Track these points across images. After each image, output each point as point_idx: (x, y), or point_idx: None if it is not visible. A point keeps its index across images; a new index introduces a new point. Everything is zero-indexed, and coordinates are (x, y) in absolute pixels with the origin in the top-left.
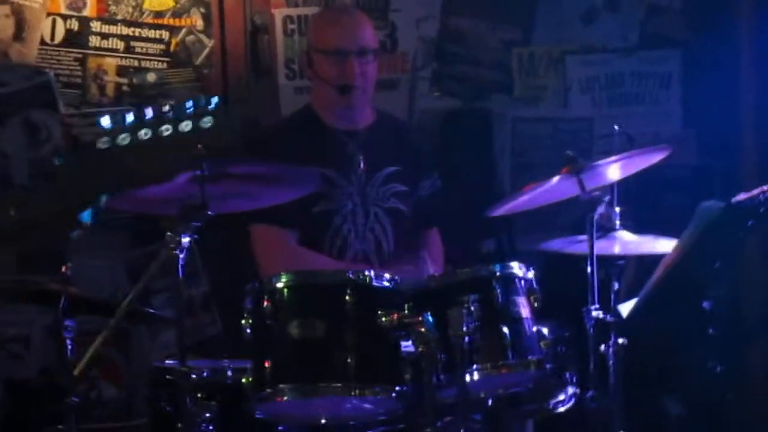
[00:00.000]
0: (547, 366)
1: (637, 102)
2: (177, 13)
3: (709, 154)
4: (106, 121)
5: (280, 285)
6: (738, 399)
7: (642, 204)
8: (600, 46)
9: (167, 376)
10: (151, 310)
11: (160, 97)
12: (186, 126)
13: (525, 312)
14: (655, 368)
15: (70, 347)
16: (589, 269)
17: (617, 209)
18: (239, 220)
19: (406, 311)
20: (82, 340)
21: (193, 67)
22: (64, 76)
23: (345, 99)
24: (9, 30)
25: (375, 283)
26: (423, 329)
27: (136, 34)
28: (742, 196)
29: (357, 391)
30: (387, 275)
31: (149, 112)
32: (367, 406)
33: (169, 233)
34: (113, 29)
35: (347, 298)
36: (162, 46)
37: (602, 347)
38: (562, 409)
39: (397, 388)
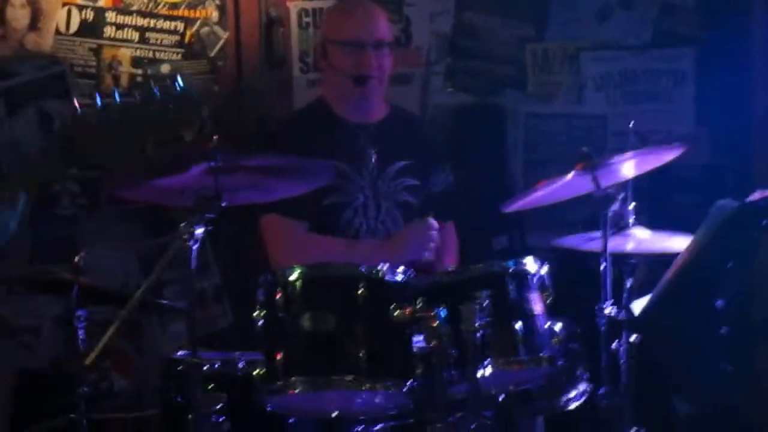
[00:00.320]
0: (559, 363)
1: (651, 99)
2: (192, 5)
3: (721, 153)
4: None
5: (293, 278)
6: (747, 399)
7: (654, 202)
8: (614, 43)
9: (179, 367)
10: (164, 301)
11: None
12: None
13: (537, 308)
14: (666, 366)
15: (81, 337)
16: (602, 266)
17: (631, 206)
18: (250, 212)
19: (418, 306)
20: (93, 330)
21: (208, 59)
22: (79, 66)
23: (360, 90)
24: (24, 20)
25: (387, 278)
26: (435, 324)
27: (151, 25)
28: (756, 196)
29: (368, 385)
30: (400, 269)
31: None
32: (377, 400)
33: (182, 224)
34: (128, 20)
35: (360, 291)
36: (177, 38)
37: (614, 344)
38: (573, 406)
39: (408, 383)
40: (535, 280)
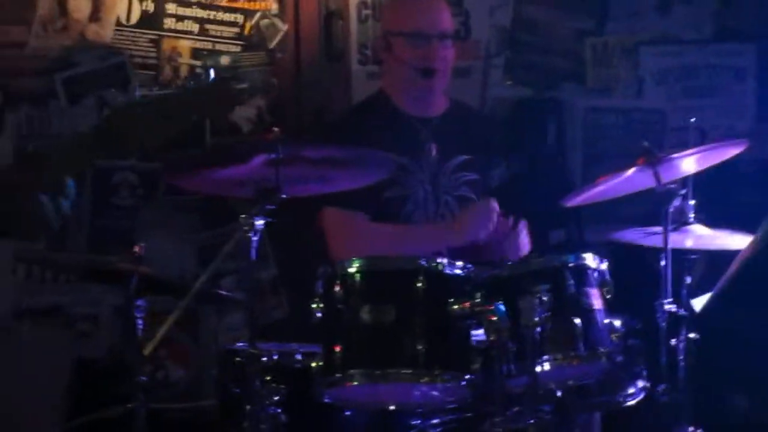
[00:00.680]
0: (618, 358)
1: (711, 95)
2: None
3: None
4: None
5: (352, 270)
6: None
7: (714, 198)
8: (673, 37)
9: (237, 359)
10: (222, 292)
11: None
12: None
13: (597, 303)
14: (725, 364)
15: (139, 327)
16: (662, 262)
17: (692, 202)
18: (309, 204)
19: (477, 299)
20: (150, 320)
21: (267, 51)
22: (139, 57)
23: (426, 82)
24: (86, 10)
25: (447, 271)
26: (494, 318)
27: (211, 17)
28: None
29: (426, 378)
30: (460, 263)
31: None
32: (435, 393)
33: (243, 215)
34: (188, 11)
35: (419, 284)
36: (236, 30)
37: (673, 341)
38: (631, 403)
39: (466, 377)
40: (594, 275)
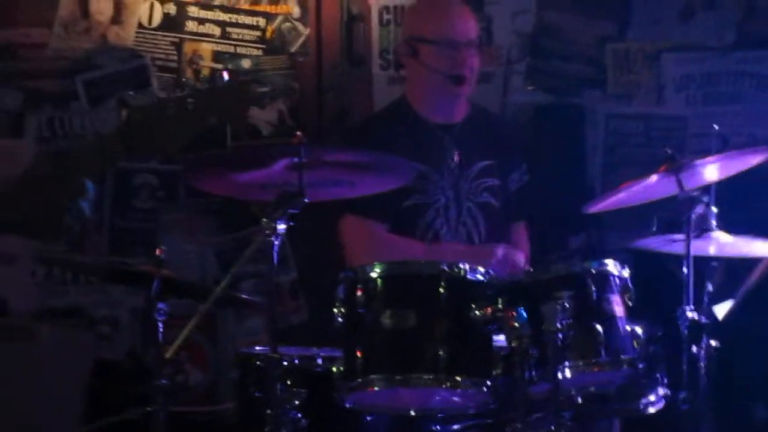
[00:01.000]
0: (640, 365)
1: (733, 102)
2: (274, 1)
3: None
4: None
5: (373, 274)
6: None
7: (736, 205)
8: (696, 44)
9: (257, 362)
10: (243, 296)
11: (255, 83)
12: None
13: (619, 310)
14: (746, 372)
15: (160, 330)
16: (685, 269)
17: (714, 209)
18: (329, 210)
19: (499, 305)
20: (170, 323)
21: (288, 55)
22: (160, 60)
23: (456, 89)
24: (108, 13)
25: (469, 276)
26: (516, 324)
27: (233, 20)
28: None
29: (448, 384)
30: (481, 268)
31: None
32: (456, 398)
33: (265, 219)
34: (210, 15)
35: (441, 290)
36: (258, 33)
37: (694, 348)
38: (651, 410)
39: (487, 382)
40: (616, 281)
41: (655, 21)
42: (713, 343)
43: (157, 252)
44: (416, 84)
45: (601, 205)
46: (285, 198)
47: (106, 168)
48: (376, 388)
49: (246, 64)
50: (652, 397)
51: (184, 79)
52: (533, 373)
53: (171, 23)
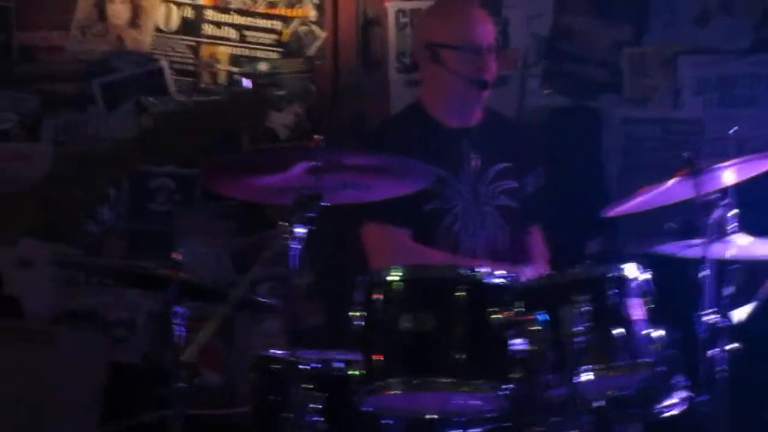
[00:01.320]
0: (658, 369)
1: (749, 105)
2: (290, 4)
3: None
4: None
5: (392, 278)
6: None
7: (755, 208)
8: (712, 48)
9: (274, 365)
10: (261, 299)
11: (271, 86)
12: None
13: (637, 314)
14: (766, 376)
15: (177, 333)
16: (702, 273)
17: (733, 213)
18: (347, 213)
19: (518, 309)
20: (186, 326)
21: (305, 58)
22: (177, 63)
23: (479, 94)
24: (125, 16)
25: (488, 280)
26: (535, 328)
27: (249, 23)
28: None
29: (466, 388)
30: (500, 272)
31: None
32: (474, 402)
33: (282, 223)
34: (227, 18)
35: (459, 293)
36: (275, 36)
37: (712, 352)
38: (670, 414)
39: (506, 386)
40: (635, 285)
41: (671, 25)
42: (732, 346)
43: (175, 255)
44: (436, 88)
45: (619, 209)
46: (302, 201)
47: (127, 172)
48: (394, 392)
49: (263, 67)
50: (670, 401)
51: (202, 85)
52: (551, 376)
53: (188, 27)
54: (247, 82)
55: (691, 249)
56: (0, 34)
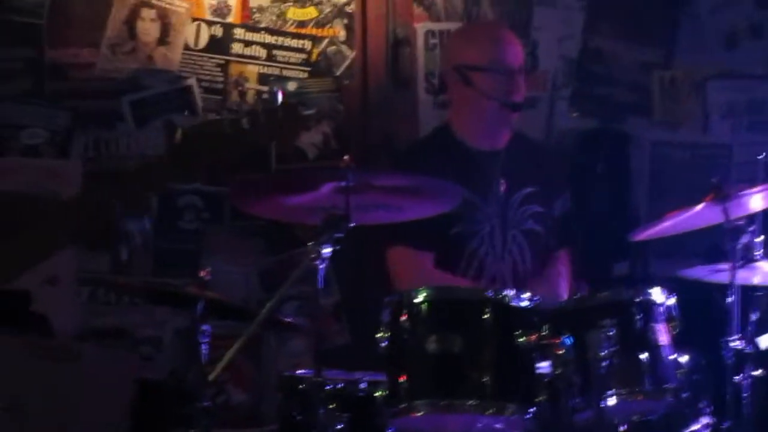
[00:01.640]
0: (684, 395)
1: None
2: (320, 23)
3: None
4: None
5: (419, 300)
6: None
7: None
8: (741, 71)
9: (300, 385)
10: (287, 318)
11: (300, 106)
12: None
13: (663, 339)
14: None
15: (204, 351)
16: (729, 299)
17: (760, 239)
18: (374, 234)
19: (544, 332)
20: (213, 344)
21: (334, 78)
22: (206, 81)
23: (510, 116)
24: (155, 34)
25: (514, 303)
26: (561, 351)
27: (279, 42)
28: None
29: (492, 410)
30: (526, 295)
31: None
32: (500, 425)
33: (311, 243)
34: (256, 37)
35: (486, 316)
36: (303, 56)
37: (738, 378)
38: None
39: (531, 409)
40: (661, 310)
41: (700, 48)
42: (757, 372)
43: (203, 274)
44: (465, 110)
45: (647, 233)
46: (331, 221)
47: (160, 188)
48: (419, 413)
49: (291, 86)
50: (695, 426)
51: (231, 104)
52: (577, 400)
53: (217, 45)
54: (280, 96)
55: (717, 274)
56: (31, 51)
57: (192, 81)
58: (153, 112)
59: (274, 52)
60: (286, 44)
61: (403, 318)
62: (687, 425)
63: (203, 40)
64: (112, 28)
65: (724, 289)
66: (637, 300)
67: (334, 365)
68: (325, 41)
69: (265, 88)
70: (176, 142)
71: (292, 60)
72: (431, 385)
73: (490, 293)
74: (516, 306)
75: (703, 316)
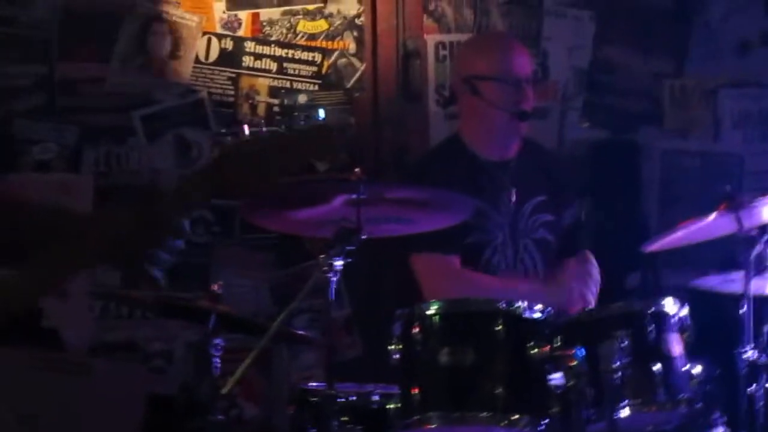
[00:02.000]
0: (697, 405)
1: None
2: (330, 36)
3: None
4: None
5: (430, 312)
6: None
7: None
8: (753, 80)
9: (311, 398)
10: (299, 331)
11: (310, 118)
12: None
13: (676, 349)
14: None
15: (215, 365)
16: (742, 309)
17: None
18: (389, 248)
19: (557, 344)
20: (224, 358)
21: (344, 90)
22: (217, 94)
23: (519, 125)
24: (165, 48)
25: (526, 314)
26: (574, 363)
27: (289, 55)
28: None
29: (505, 422)
30: (538, 307)
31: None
32: None
33: (323, 256)
34: (266, 50)
35: (498, 328)
36: (314, 68)
37: (751, 389)
38: None
39: (544, 421)
40: (674, 320)
41: (712, 57)
42: None
43: (215, 287)
44: (474, 121)
45: (659, 244)
46: (343, 235)
47: (198, 207)
48: (432, 426)
49: (302, 99)
50: None
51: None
52: (590, 412)
53: (228, 58)
54: (322, 114)
55: (730, 284)
56: (41, 65)
57: (203, 94)
58: (164, 126)
59: (285, 65)
60: (296, 57)
61: (415, 330)
62: None
63: (214, 54)
64: (122, 42)
65: (737, 299)
66: (650, 311)
67: (347, 378)
68: (336, 54)
69: (276, 101)
70: (214, 159)
71: (303, 73)
72: (444, 397)
73: (502, 305)
74: (528, 317)
75: (716, 326)
